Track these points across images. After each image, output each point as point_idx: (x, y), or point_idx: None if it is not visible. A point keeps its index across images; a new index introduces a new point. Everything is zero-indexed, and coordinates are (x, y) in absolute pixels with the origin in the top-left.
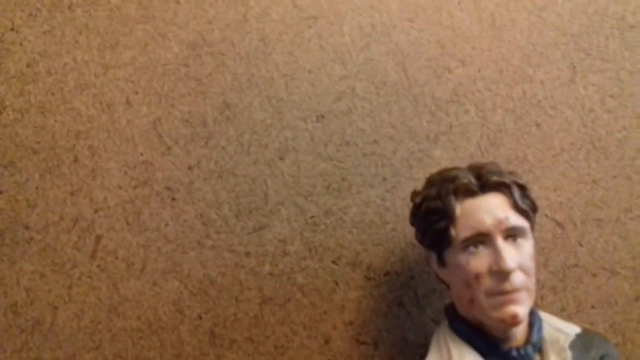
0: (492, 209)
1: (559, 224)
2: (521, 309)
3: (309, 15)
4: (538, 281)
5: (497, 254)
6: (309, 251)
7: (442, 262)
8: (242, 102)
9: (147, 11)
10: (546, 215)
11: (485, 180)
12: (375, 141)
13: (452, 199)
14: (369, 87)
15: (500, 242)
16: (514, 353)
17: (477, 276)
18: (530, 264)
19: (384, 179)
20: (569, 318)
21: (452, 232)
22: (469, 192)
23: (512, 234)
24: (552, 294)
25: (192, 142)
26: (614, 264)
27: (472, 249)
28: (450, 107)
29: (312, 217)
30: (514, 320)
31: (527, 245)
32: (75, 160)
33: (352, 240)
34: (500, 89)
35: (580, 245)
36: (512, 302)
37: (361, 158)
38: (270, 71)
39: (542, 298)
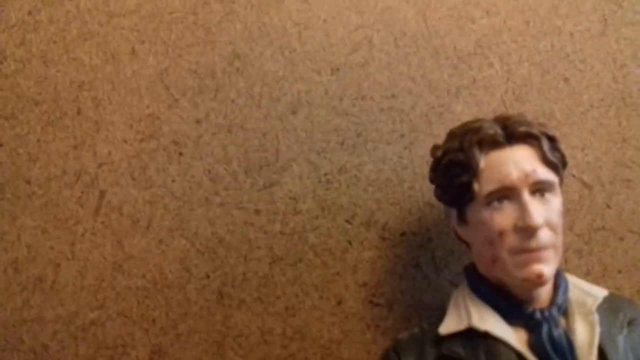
0: (518, 161)
1: (586, 185)
2: (547, 268)
3: None
4: (564, 244)
5: (523, 209)
6: (322, 210)
7: (463, 219)
8: (253, 53)
9: None
10: (573, 175)
11: (511, 131)
12: (392, 95)
13: (476, 151)
14: (387, 38)
15: (526, 196)
16: (538, 315)
17: (501, 233)
18: (558, 220)
19: (402, 135)
20: (594, 282)
21: (476, 186)
22: (494, 144)
23: (539, 189)
24: (577, 257)
25: (200, 95)
26: None
27: (496, 204)
28: (473, 59)
29: (325, 174)
30: (540, 280)
31: (555, 200)
32: (79, 112)
33: (367, 199)
34: (527, 41)
35: (608, 207)
36: (538, 260)
37: (378, 113)
38: (283, 20)
39: (566, 261)
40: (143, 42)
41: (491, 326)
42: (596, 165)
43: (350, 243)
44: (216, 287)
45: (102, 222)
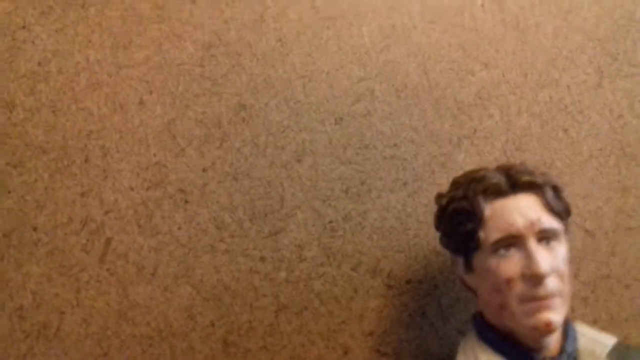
0: (524, 210)
1: (589, 233)
2: (556, 316)
3: (328, 16)
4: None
5: (529, 257)
6: (327, 257)
7: (469, 267)
8: (258, 103)
9: (161, 11)
10: (576, 224)
11: (515, 180)
12: (395, 145)
13: (481, 199)
14: (389, 90)
15: (533, 244)
16: None
17: (509, 281)
18: (564, 268)
19: (405, 184)
20: (601, 330)
21: (481, 234)
22: (499, 193)
23: (545, 237)
24: (583, 305)
25: (206, 144)
26: None
27: (502, 251)
28: (474, 110)
29: (330, 222)
30: (548, 328)
31: (561, 248)
32: (86, 160)
33: (372, 247)
34: (525, 93)
35: (612, 255)
36: (546, 308)
37: (381, 162)
38: (288, 72)
39: (573, 309)
40: (151, 92)
41: None
42: (598, 213)
43: (356, 291)
44: (221, 335)
45: (108, 269)
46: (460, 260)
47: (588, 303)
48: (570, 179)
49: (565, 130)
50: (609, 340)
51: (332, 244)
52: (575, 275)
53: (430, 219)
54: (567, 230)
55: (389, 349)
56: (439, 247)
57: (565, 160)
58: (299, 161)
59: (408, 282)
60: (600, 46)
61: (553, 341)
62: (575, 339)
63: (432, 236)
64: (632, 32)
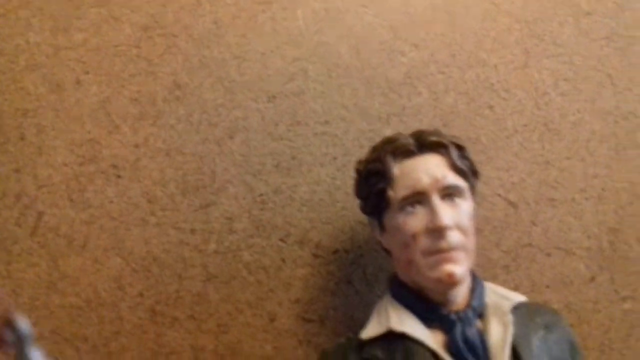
0: (429, 168)
1: (511, 204)
2: (458, 268)
3: (263, 0)
4: (490, 260)
5: (432, 211)
6: (257, 229)
7: (382, 227)
8: (193, 82)
9: None
10: (499, 195)
11: (423, 141)
12: (326, 122)
13: (390, 159)
14: (322, 69)
15: (436, 200)
16: (453, 316)
17: (414, 235)
18: (468, 223)
19: (335, 158)
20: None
21: (391, 193)
22: (407, 153)
23: (449, 193)
24: (504, 273)
25: (140, 121)
26: (569, 244)
27: (409, 208)
28: (403, 89)
29: (261, 195)
30: (451, 280)
31: (465, 204)
32: (22, 138)
33: (301, 219)
34: (453, 72)
35: (534, 224)
36: (449, 260)
37: (312, 137)
38: (223, 53)
39: (494, 277)
40: (87, 72)
41: (408, 328)
42: (521, 185)
43: (284, 261)
44: (149, 305)
45: (39, 242)
46: (375, 223)
47: (510, 271)
48: (495, 153)
49: (491, 107)
50: (516, 297)
51: (262, 216)
52: (496, 243)
53: None
54: (474, 190)
55: (315, 316)
56: (365, 219)
57: (490, 135)
58: (231, 137)
59: (335, 252)
60: (527, 28)
61: (460, 296)
62: (482, 294)
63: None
64: (559, 14)
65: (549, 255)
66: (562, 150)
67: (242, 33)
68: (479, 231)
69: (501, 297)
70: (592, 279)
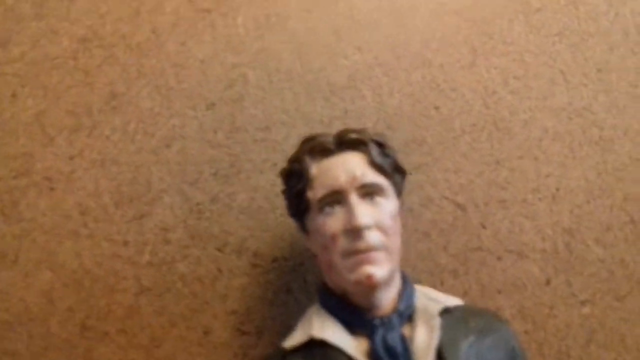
0: (347, 166)
1: (459, 206)
2: (377, 270)
3: (203, 8)
4: (438, 265)
5: (349, 211)
6: (192, 239)
7: (306, 230)
8: (130, 92)
9: (40, 9)
10: (446, 198)
11: (342, 139)
12: (266, 127)
13: (308, 159)
14: (262, 75)
15: (354, 199)
16: (377, 321)
17: (333, 237)
18: (390, 223)
19: (275, 164)
20: (472, 303)
21: (309, 194)
22: (325, 152)
23: (369, 192)
24: (453, 277)
25: (75, 133)
26: (521, 246)
27: (327, 209)
28: (346, 92)
29: (198, 204)
30: (370, 282)
31: (387, 204)
32: None
33: (239, 227)
34: (398, 74)
35: (484, 227)
36: (367, 261)
37: (251, 144)
38: (161, 61)
39: (442, 282)
40: (24, 86)
41: (329, 335)
42: (470, 187)
43: (220, 271)
44: (80, 319)
45: None
46: (299, 226)
47: (458, 275)
48: (442, 154)
49: (437, 108)
50: (448, 301)
51: (199, 225)
52: (444, 247)
53: None
54: (400, 188)
55: (252, 327)
56: None
57: (436, 136)
58: (168, 146)
59: (274, 260)
60: (475, 26)
61: (386, 300)
62: (410, 298)
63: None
64: (508, 11)
65: (500, 258)
66: (513, 150)
67: (182, 41)
68: (426, 235)
69: (431, 300)
70: (547, 282)
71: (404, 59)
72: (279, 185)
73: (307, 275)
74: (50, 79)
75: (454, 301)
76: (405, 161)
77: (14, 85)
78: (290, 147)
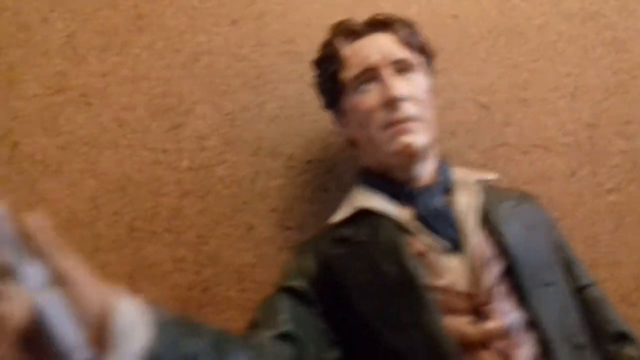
0: (379, 45)
1: (483, 106)
2: (415, 138)
3: None
4: (467, 162)
5: (385, 84)
6: (227, 145)
7: (343, 115)
8: (155, 12)
9: None
10: (470, 99)
11: (371, 22)
12: (290, 40)
13: (340, 41)
14: None
15: (388, 73)
16: (419, 190)
17: (370, 111)
18: (424, 96)
19: (301, 75)
20: None
21: (343, 74)
22: (355, 34)
23: (401, 68)
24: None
25: (105, 52)
26: (545, 141)
27: (363, 87)
28: (365, 5)
29: (228, 113)
30: (409, 150)
31: (419, 79)
32: None
33: (271, 133)
34: None
35: (508, 124)
36: (405, 131)
37: (276, 57)
38: None
39: None
40: (53, 11)
41: (375, 203)
42: (491, 88)
43: (257, 173)
44: (127, 222)
45: (15, 170)
46: (336, 115)
47: (487, 170)
48: (462, 59)
49: (455, 17)
50: (487, 175)
51: (232, 133)
52: (471, 145)
53: None
54: (427, 66)
55: (293, 223)
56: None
57: (454, 43)
58: (196, 61)
59: (308, 162)
60: None
61: (425, 173)
62: (447, 171)
63: (330, 118)
64: None
65: (526, 153)
66: (529, 53)
67: None
68: (453, 134)
69: (469, 173)
70: (573, 174)
71: None
72: (306, 94)
73: (342, 175)
74: (77, 3)
75: (489, 175)
76: None
77: (44, 11)
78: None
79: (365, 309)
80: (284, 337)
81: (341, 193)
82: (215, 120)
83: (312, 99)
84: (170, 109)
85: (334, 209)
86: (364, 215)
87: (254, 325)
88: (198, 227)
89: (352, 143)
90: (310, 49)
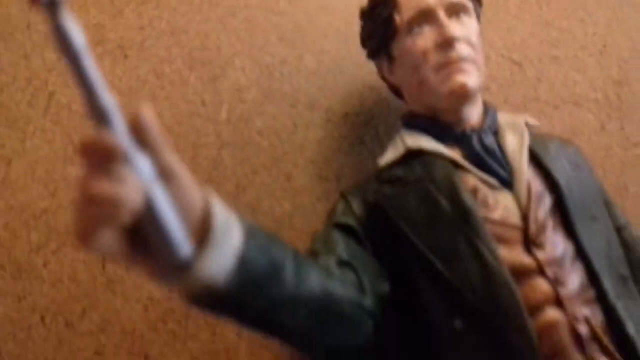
0: None
1: (516, 63)
2: (469, 79)
3: None
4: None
5: (440, 26)
6: (266, 97)
7: (391, 60)
8: None
9: None
10: (502, 55)
11: None
12: None
13: None
14: None
15: (442, 15)
16: (469, 132)
17: (424, 53)
18: (475, 40)
19: (338, 30)
20: None
21: (397, 17)
22: None
23: (455, 10)
24: None
25: (143, 5)
26: (575, 97)
27: (416, 29)
28: None
29: (267, 66)
30: (463, 90)
31: (471, 22)
32: (28, 27)
33: (310, 86)
34: None
35: (540, 80)
36: (459, 71)
37: (314, 11)
38: None
39: None
40: None
41: (425, 144)
42: (523, 45)
43: (295, 126)
44: None
45: (52, 120)
46: (384, 61)
47: None
48: (494, 17)
49: None
50: (530, 119)
51: (271, 85)
52: (504, 100)
53: (363, 60)
54: (479, 16)
55: (331, 174)
56: (374, 83)
57: (486, 0)
58: (233, 14)
59: (345, 115)
60: None
61: (473, 115)
62: (494, 114)
63: (367, 74)
64: None
65: (556, 108)
66: (560, 12)
67: None
68: (486, 89)
69: (513, 117)
70: (602, 127)
71: None
72: (344, 49)
73: (379, 128)
74: None
75: (531, 120)
76: None
77: None
78: (351, 14)
79: (421, 243)
80: (345, 264)
81: (377, 146)
82: (254, 73)
83: (348, 55)
84: (209, 61)
85: (370, 161)
86: (414, 156)
87: (314, 254)
88: (237, 177)
89: (397, 91)
90: (347, 5)
